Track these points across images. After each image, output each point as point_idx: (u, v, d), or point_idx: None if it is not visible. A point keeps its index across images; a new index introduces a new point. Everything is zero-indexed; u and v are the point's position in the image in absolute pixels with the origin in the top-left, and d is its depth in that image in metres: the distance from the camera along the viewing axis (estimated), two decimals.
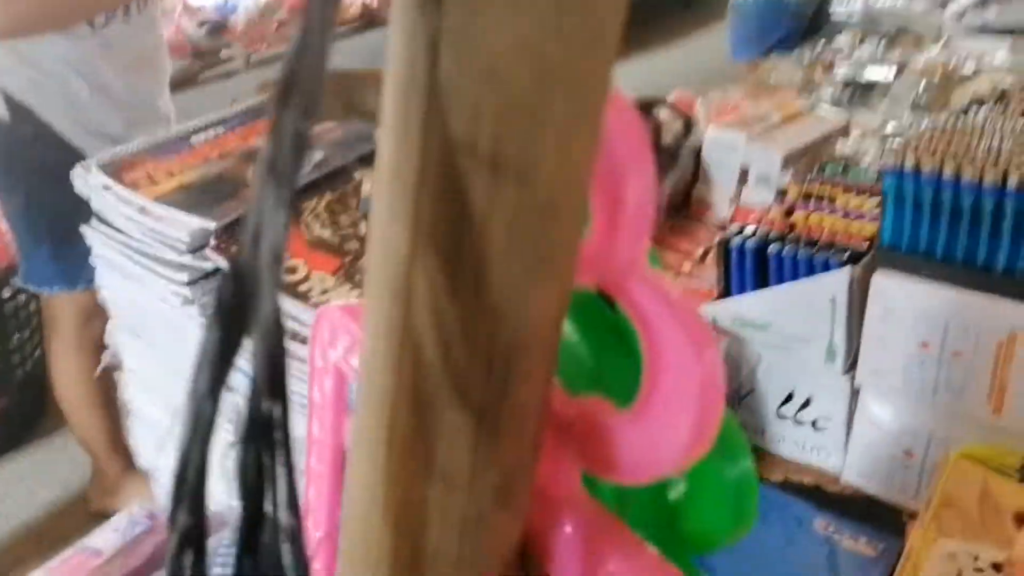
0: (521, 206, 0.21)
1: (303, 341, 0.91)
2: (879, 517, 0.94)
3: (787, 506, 0.98)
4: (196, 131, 1.12)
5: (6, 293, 2.08)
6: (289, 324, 0.92)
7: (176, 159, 1.06)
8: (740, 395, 1.03)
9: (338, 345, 0.41)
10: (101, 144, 1.58)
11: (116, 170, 1.03)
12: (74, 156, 1.54)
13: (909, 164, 0.85)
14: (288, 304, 0.92)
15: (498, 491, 0.24)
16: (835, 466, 1.00)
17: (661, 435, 0.25)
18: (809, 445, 1.01)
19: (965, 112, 0.98)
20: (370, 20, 3.90)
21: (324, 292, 0.90)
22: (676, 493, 0.31)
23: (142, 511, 1.20)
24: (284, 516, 0.21)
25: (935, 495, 0.83)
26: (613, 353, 0.29)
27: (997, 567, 0.78)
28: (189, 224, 0.95)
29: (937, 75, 1.96)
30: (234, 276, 0.19)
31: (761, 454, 1.04)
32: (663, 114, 0.89)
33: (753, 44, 2.36)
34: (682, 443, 0.25)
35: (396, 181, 0.21)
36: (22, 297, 2.13)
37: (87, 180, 1.04)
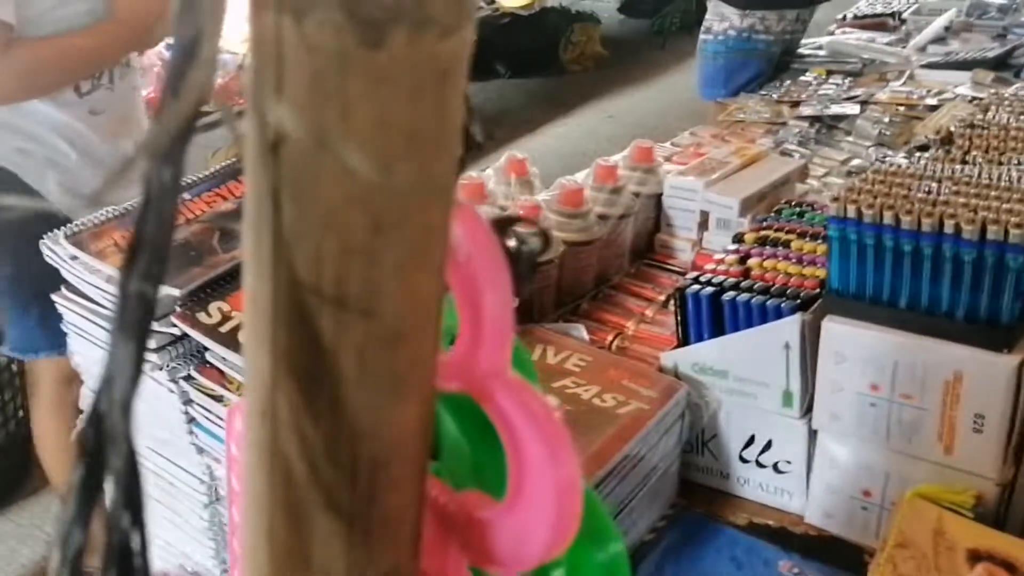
0: (369, 337, 0.23)
1: None
2: (842, 557, 0.96)
3: (753, 548, 0.99)
4: None
5: None
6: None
7: None
8: (703, 440, 1.04)
9: None
10: (87, 209, 1.59)
11: (83, 239, 1.05)
12: (60, 222, 1.56)
13: (851, 212, 0.88)
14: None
15: None
16: (798, 507, 1.01)
17: (528, 529, 0.27)
18: (772, 487, 1.02)
19: (908, 156, 1.01)
20: None
21: None
22: None
23: None
24: None
25: (890, 534, 0.85)
26: (490, 450, 0.31)
27: None
28: None
29: (900, 109, 2.00)
30: (93, 421, 0.21)
31: (726, 497, 1.05)
32: (520, 229, 0.93)
33: (720, 84, 2.40)
34: (546, 536, 0.26)
35: (256, 312, 0.23)
36: (3, 359, 2.14)
37: (55, 251, 1.06)
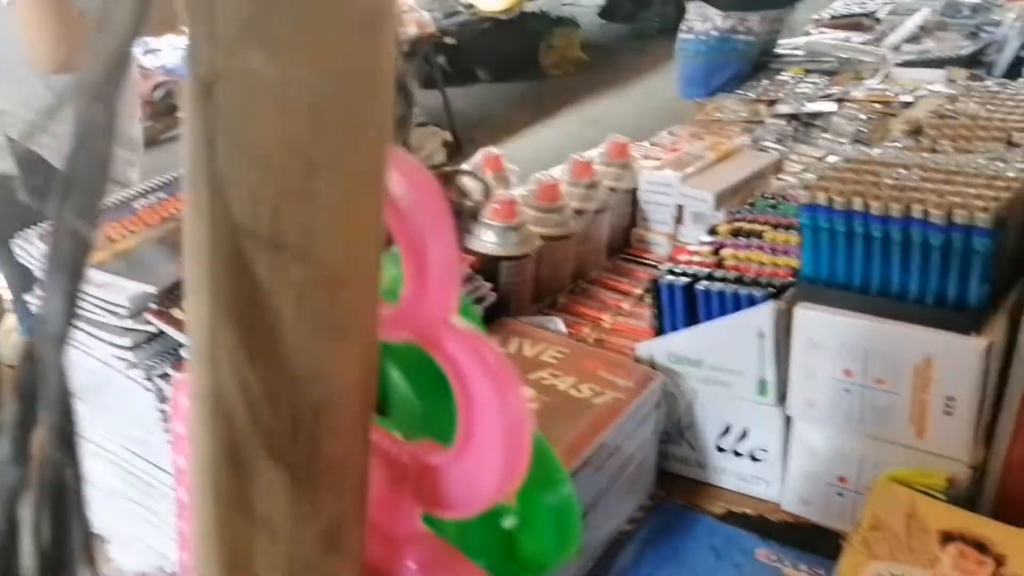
0: (306, 280, 0.23)
1: None
2: (819, 543, 0.96)
3: (731, 537, 0.99)
4: (138, 197, 1.14)
5: None
6: None
7: (117, 225, 1.08)
8: (680, 429, 1.05)
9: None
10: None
11: None
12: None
13: (821, 199, 0.88)
14: None
15: (324, 537, 0.26)
16: (775, 495, 1.02)
17: (479, 471, 0.27)
18: (749, 476, 1.03)
19: (880, 148, 1.02)
20: None
21: None
22: (509, 523, 0.33)
23: None
24: (81, 568, 0.23)
25: (864, 517, 0.85)
26: (438, 399, 0.31)
27: None
28: (129, 289, 0.97)
29: (876, 107, 2.02)
30: (27, 359, 0.21)
31: (704, 487, 1.05)
32: (465, 180, 0.94)
33: (699, 84, 2.42)
34: (497, 477, 0.27)
35: (196, 257, 0.24)
36: None
37: (26, 250, 1.06)
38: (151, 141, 3.43)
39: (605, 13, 6.93)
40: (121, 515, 1.18)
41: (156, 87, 3.20)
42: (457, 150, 4.18)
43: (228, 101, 0.21)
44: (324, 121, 0.22)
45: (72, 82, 0.20)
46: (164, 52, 3.26)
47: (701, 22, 2.48)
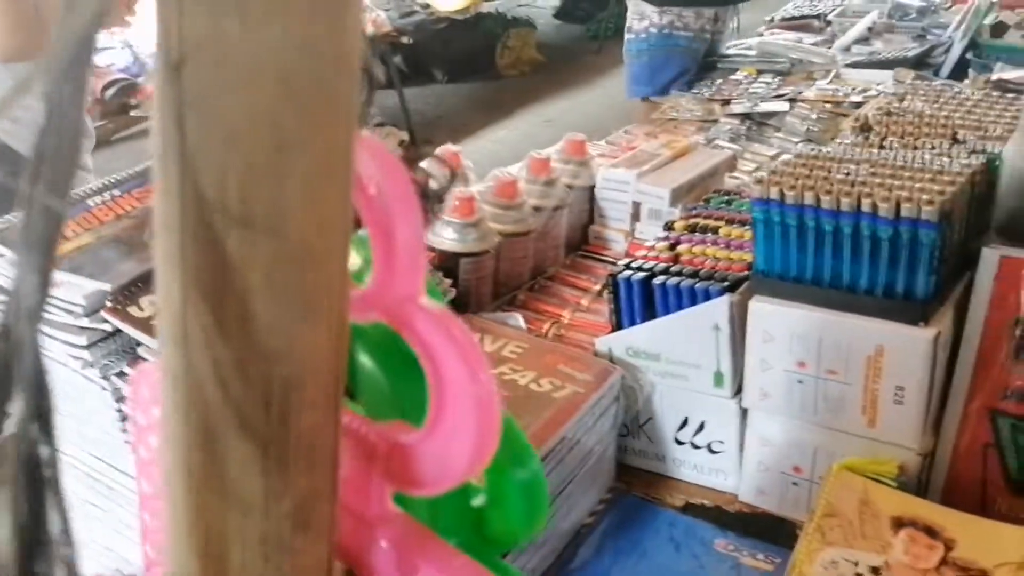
0: (276, 256, 0.24)
1: None
2: (775, 532, 0.98)
3: (689, 529, 1.01)
4: (92, 194, 1.12)
5: None
6: None
7: (71, 223, 1.06)
8: (639, 423, 1.06)
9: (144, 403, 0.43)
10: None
11: (10, 236, 1.03)
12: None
13: (774, 193, 0.90)
14: None
15: (295, 515, 0.27)
16: (732, 486, 1.03)
17: (450, 448, 0.28)
18: (707, 468, 1.04)
19: (830, 144, 1.04)
20: None
21: None
22: (478, 501, 0.34)
23: None
24: (59, 547, 0.23)
25: (818, 505, 0.87)
26: (407, 380, 0.32)
27: (876, 571, 0.82)
28: (85, 287, 0.96)
29: (826, 106, 2.06)
30: (1, 336, 0.22)
31: (663, 479, 1.07)
32: (429, 164, 0.96)
33: (644, 83, 2.45)
34: (468, 453, 0.27)
35: (166, 234, 0.24)
36: None
37: None
38: (102, 141, 3.39)
39: (561, 14, 6.96)
40: (77, 517, 1.17)
41: (107, 86, 3.16)
42: (414, 150, 4.16)
43: (197, 75, 0.22)
44: (293, 96, 0.22)
45: (41, 63, 0.20)
46: (116, 51, 3.22)
47: (639, 20, 2.52)
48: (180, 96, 0.22)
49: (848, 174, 0.92)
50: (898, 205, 0.84)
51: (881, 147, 1.04)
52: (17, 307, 0.21)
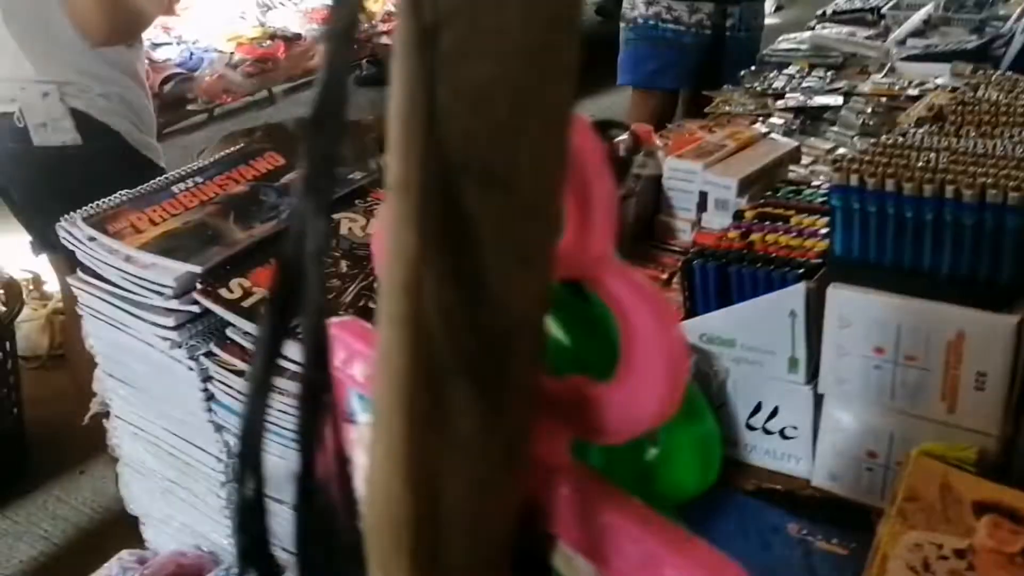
0: (507, 210, 0.26)
1: (294, 376, 0.94)
2: (849, 517, 0.99)
3: (761, 513, 1.02)
4: (176, 181, 1.15)
5: None
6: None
7: (158, 209, 1.10)
8: (712, 408, 1.07)
9: (335, 357, 0.45)
10: (156, 146, 1.80)
11: (100, 221, 1.07)
12: (144, 163, 1.70)
13: (854, 180, 0.91)
14: None
15: (506, 455, 0.29)
16: (805, 472, 1.04)
17: (639, 399, 0.30)
18: (779, 453, 1.06)
19: (904, 134, 1.04)
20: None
21: None
22: (651, 455, 0.36)
23: (132, 556, 1.22)
24: (332, 464, 0.25)
25: (899, 490, 0.88)
26: (587, 338, 0.34)
27: (961, 554, 0.82)
28: (175, 269, 0.99)
29: (882, 100, 2.05)
30: (282, 274, 0.24)
31: (735, 464, 1.08)
32: (615, 133, 0.98)
33: (628, 70, 2.50)
34: (656, 403, 0.29)
35: (404, 194, 0.26)
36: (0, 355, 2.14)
37: (71, 232, 1.07)
38: (158, 135, 3.45)
39: (601, 11, 6.97)
40: (157, 496, 1.20)
41: (165, 80, 3.21)
42: None
43: (451, 40, 0.24)
44: (535, 61, 0.24)
45: (322, 28, 0.23)
46: (171, 47, 3.27)
47: (631, 9, 2.54)
48: (432, 60, 0.24)
49: (928, 162, 0.92)
50: (983, 192, 0.85)
51: (957, 136, 1.04)
52: (302, 247, 0.23)
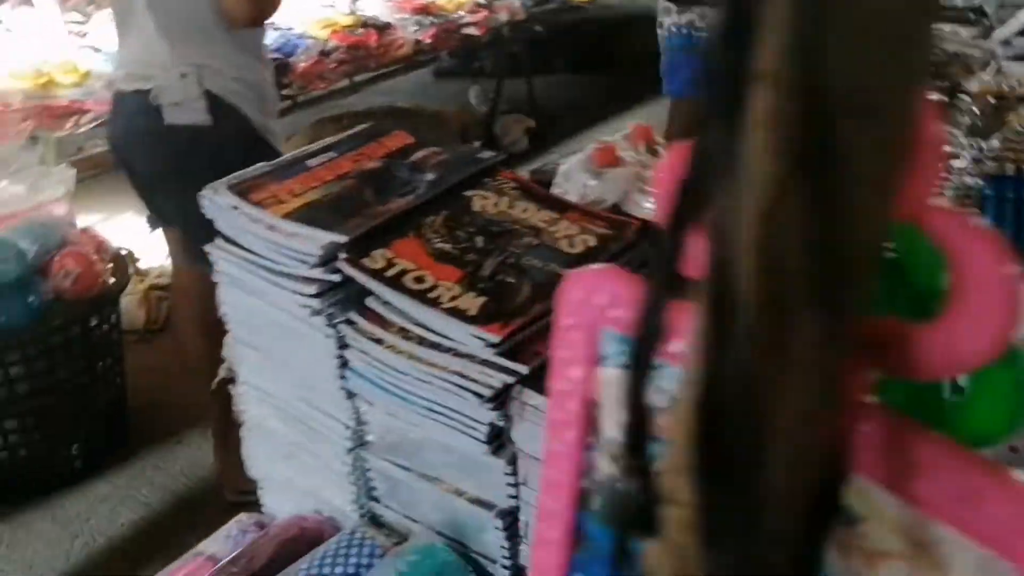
0: (876, 143, 0.27)
1: (432, 346, 0.96)
2: None
3: None
4: (310, 156, 1.18)
5: (93, 321, 2.15)
6: (417, 330, 0.98)
7: (297, 181, 1.12)
8: None
9: (593, 302, 0.46)
10: (276, 130, 1.83)
11: (243, 190, 1.10)
12: (264, 145, 1.74)
13: (1009, 170, 0.90)
14: (420, 311, 0.97)
15: (835, 384, 0.30)
16: None
17: (968, 337, 0.30)
18: None
19: None
20: (414, 62, 4.00)
21: (452, 299, 0.96)
22: (949, 396, 0.36)
23: (250, 519, 1.24)
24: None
25: None
26: (897, 283, 0.34)
27: None
28: (321, 238, 1.01)
29: (990, 100, 2.01)
30: (655, 241, 0.25)
31: None
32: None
33: (666, 80, 2.46)
34: (986, 343, 0.30)
35: (775, 123, 0.27)
36: (106, 326, 2.20)
37: (214, 200, 1.10)
38: None
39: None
40: (279, 460, 1.22)
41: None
42: (540, 137, 4.22)
43: None
44: (913, 2, 0.25)
45: (705, 20, 0.24)
46: (270, 32, 3.30)
47: (667, 17, 2.51)
48: (817, 10, 0.25)
49: None
50: None
51: None
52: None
